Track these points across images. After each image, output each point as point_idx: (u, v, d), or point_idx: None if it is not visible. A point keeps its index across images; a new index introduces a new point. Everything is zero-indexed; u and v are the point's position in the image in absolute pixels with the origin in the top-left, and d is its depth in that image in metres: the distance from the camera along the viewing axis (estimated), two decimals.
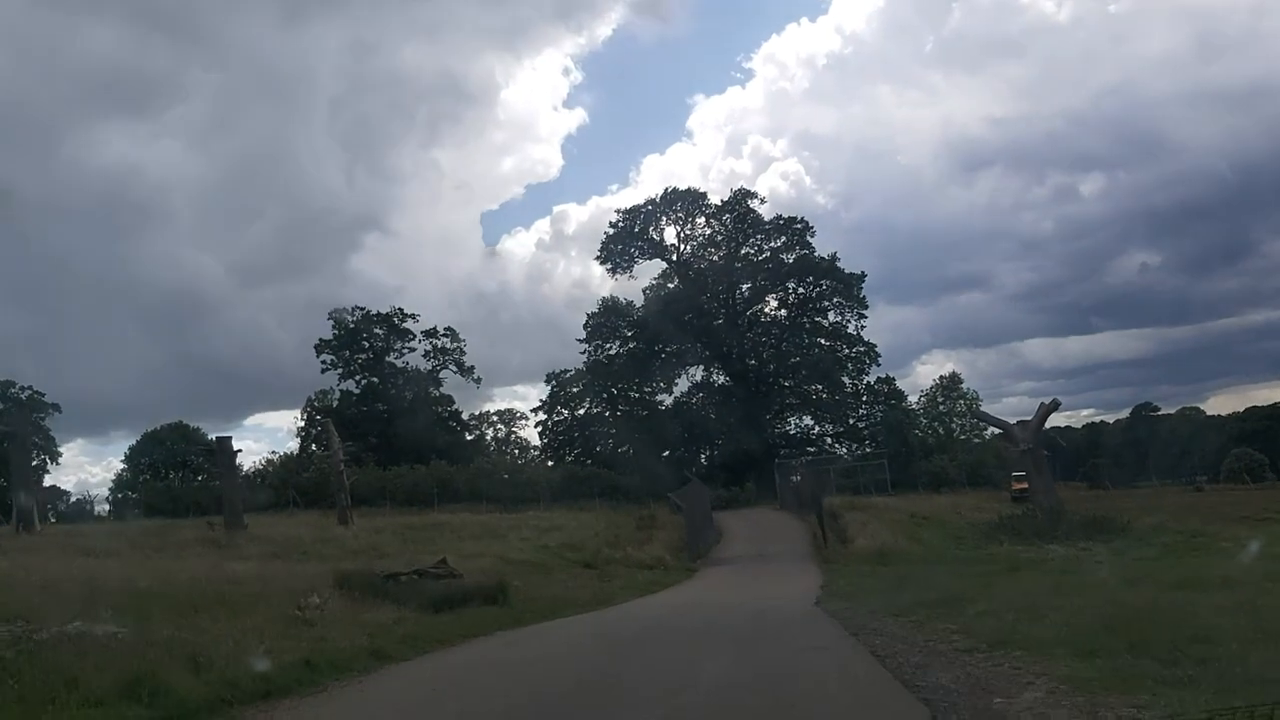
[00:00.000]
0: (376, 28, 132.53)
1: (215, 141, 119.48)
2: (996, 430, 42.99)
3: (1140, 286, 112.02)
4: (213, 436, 33.83)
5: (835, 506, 40.18)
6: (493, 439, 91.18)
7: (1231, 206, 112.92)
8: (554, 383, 78.90)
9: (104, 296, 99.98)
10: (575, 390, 77.92)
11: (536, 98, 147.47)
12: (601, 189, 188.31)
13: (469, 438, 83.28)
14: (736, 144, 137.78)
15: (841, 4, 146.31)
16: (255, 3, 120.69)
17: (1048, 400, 40.77)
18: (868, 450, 65.85)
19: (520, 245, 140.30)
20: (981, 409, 42.41)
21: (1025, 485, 51.67)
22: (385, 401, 78.50)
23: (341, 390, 78.63)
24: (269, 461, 76.14)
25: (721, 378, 76.51)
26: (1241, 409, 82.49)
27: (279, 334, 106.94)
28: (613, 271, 77.68)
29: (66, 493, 77.94)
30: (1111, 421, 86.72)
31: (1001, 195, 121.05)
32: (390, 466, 64.14)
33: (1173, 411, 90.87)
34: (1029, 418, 41.17)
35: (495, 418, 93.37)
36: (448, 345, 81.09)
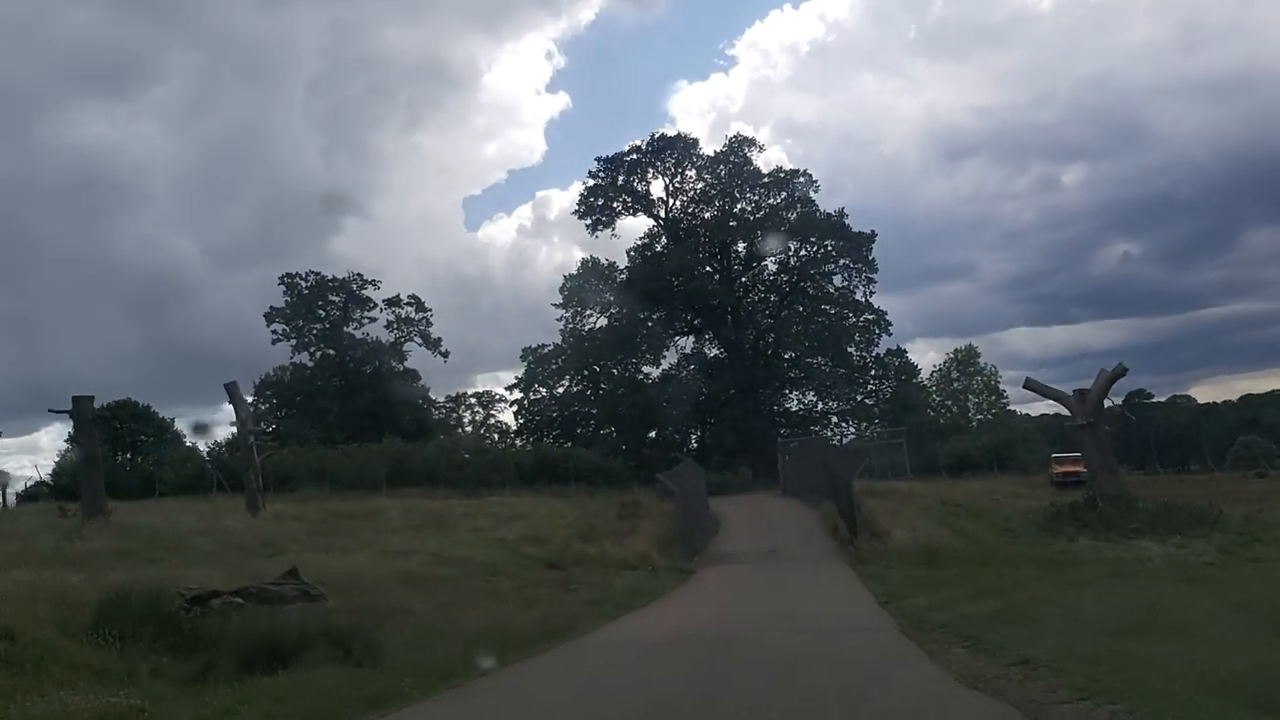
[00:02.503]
0: (357, 9, 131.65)
1: (193, 123, 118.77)
2: (1047, 404, 37.30)
3: (1121, 277, 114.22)
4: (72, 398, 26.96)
5: (855, 493, 34.24)
6: (470, 422, 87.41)
7: (1213, 198, 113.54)
8: (530, 359, 72.35)
9: (80, 278, 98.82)
10: (554, 367, 71.50)
11: (519, 82, 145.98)
12: (584, 175, 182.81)
13: (437, 417, 78.68)
14: (719, 131, 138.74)
15: None
16: None
17: (1110, 368, 34.82)
18: (879, 430, 59.86)
19: (502, 231, 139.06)
20: (1030, 378, 36.26)
21: (1074, 468, 46.32)
22: (342, 376, 72.32)
23: (294, 363, 71.87)
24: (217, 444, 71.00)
25: (715, 349, 70.24)
26: (1223, 399, 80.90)
27: (256, 317, 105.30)
28: (593, 228, 71.23)
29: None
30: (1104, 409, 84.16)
31: (984, 185, 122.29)
32: (338, 445, 58.15)
33: (1163, 400, 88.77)
34: (1086, 385, 35.34)
35: (473, 400, 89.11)
36: (412, 315, 74.58)
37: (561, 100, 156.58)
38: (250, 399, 72.80)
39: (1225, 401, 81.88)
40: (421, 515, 34.84)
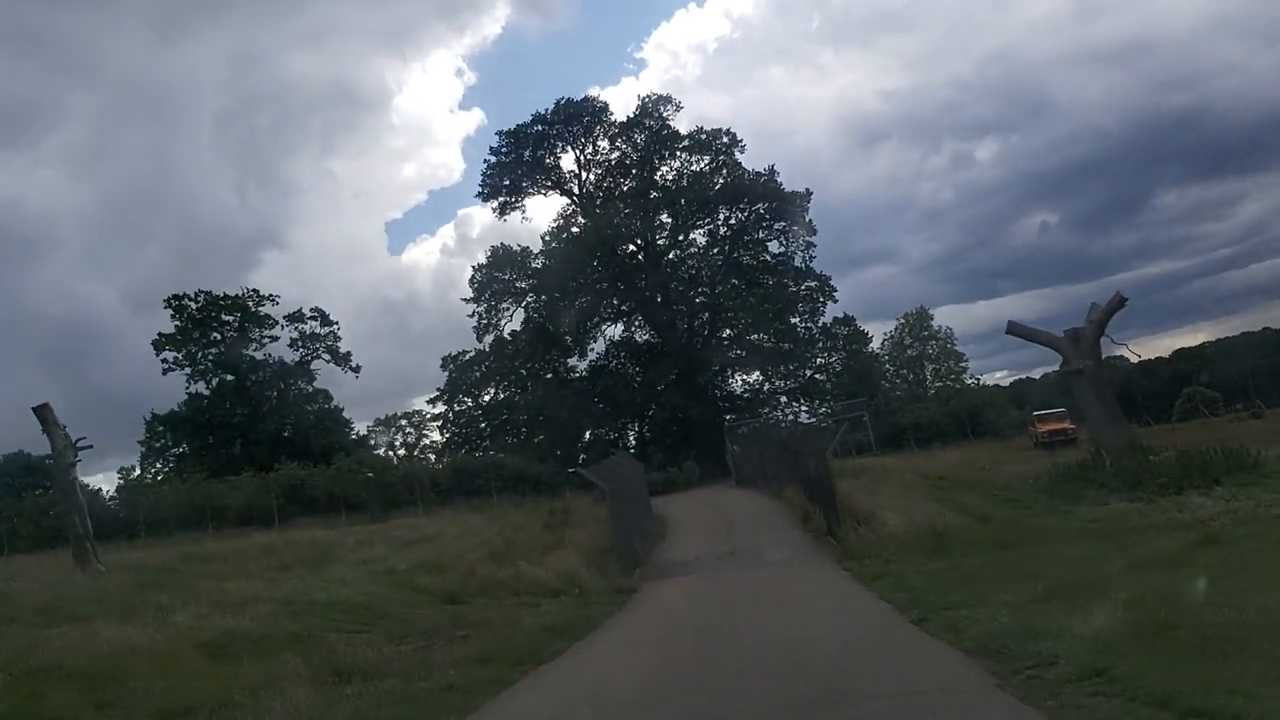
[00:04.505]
0: (256, 39, 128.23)
1: (98, 166, 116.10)
2: (1032, 347, 32.62)
3: (1040, 247, 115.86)
4: None
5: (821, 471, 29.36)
6: (402, 444, 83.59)
7: (1121, 163, 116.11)
8: (451, 367, 66.46)
9: None
10: (477, 374, 65.75)
11: (431, 101, 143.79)
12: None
13: (371, 443, 74.29)
14: None
15: None
16: (126, 21, 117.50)
17: (1104, 302, 30.26)
18: (835, 405, 55.23)
19: (426, 253, 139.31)
20: (1013, 321, 31.76)
21: (1059, 426, 42.34)
22: (245, 402, 66.00)
23: (189, 393, 65.50)
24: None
25: (646, 334, 64.96)
26: (1154, 356, 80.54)
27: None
28: (500, 211, 65.59)
29: None
30: (1038, 377, 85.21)
31: (900, 167, 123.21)
32: (226, 477, 52.03)
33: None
34: (1079, 325, 30.80)
35: (403, 421, 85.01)
36: (318, 330, 68.52)
37: (476, 116, 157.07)
38: (142, 441, 69.08)
39: (1158, 358, 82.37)
40: (305, 549, 29.28)
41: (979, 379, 71.66)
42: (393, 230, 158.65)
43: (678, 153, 64.73)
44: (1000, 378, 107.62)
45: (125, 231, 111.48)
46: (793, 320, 62.80)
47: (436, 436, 75.72)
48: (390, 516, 42.86)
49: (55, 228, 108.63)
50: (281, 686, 10.30)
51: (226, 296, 67.20)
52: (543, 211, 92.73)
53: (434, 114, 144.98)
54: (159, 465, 66.51)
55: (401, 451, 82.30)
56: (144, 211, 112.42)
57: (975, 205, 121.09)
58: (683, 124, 65.67)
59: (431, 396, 67.97)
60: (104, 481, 78.81)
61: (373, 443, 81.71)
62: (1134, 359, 41.57)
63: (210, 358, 67.30)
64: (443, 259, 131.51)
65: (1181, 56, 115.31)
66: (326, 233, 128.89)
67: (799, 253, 63.58)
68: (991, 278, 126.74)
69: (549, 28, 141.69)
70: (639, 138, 64.64)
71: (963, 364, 71.36)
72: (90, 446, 26.26)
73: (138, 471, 67.89)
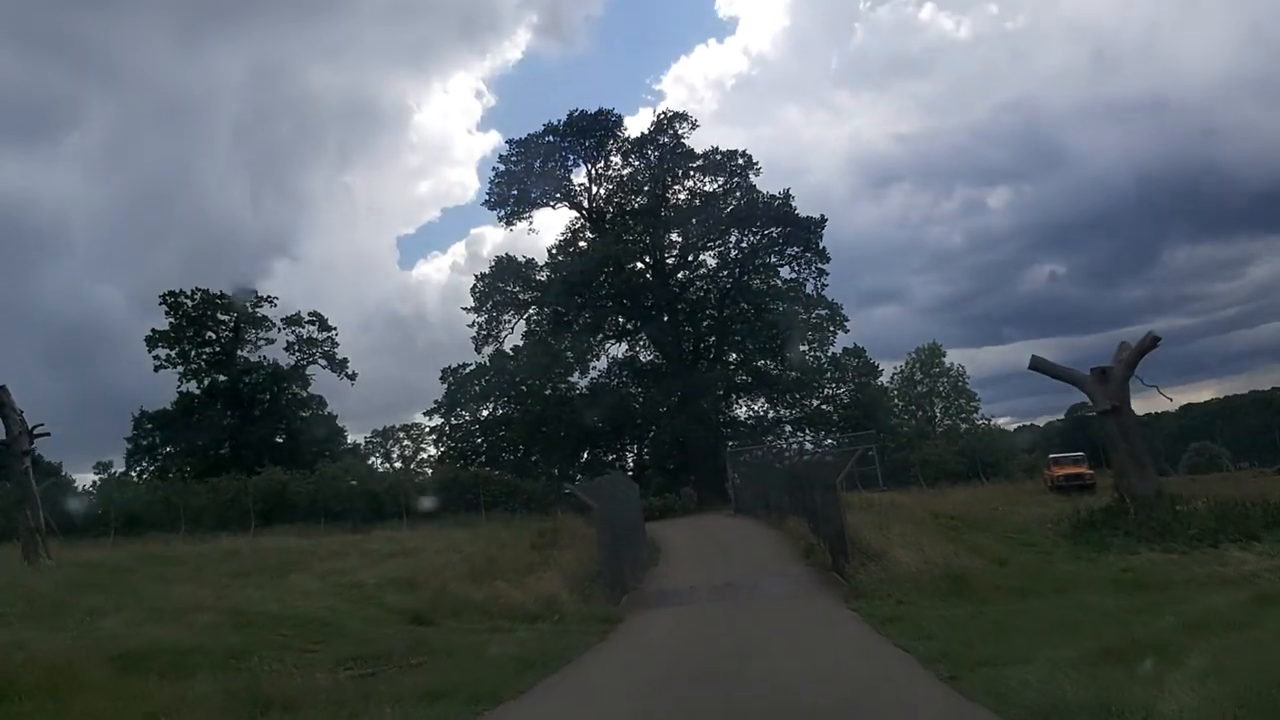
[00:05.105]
0: (279, 51, 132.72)
1: (115, 168, 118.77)
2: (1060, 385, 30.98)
3: (1048, 297, 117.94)
4: None
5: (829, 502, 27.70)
6: (399, 457, 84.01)
7: (1132, 216, 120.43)
8: (450, 380, 64.76)
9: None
10: (476, 389, 64.03)
11: (450, 121, 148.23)
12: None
13: (365, 454, 75.58)
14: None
15: (748, 25, 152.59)
16: (152, 26, 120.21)
17: (1132, 341, 28.70)
18: (843, 438, 53.46)
19: (437, 269, 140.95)
20: (1037, 356, 30.23)
21: (1076, 470, 40.62)
22: (236, 405, 64.96)
23: (180, 392, 64.50)
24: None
25: (650, 354, 63.31)
26: (1161, 410, 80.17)
27: None
28: (506, 220, 64.16)
29: None
30: (1042, 425, 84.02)
31: (911, 210, 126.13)
32: (208, 479, 50.53)
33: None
34: (1108, 364, 29.26)
35: (401, 434, 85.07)
36: (315, 335, 67.17)
37: (493, 138, 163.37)
38: (129, 439, 67.57)
39: (1164, 412, 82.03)
40: (272, 556, 27.71)
41: (990, 420, 69.94)
42: (404, 245, 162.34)
43: (691, 172, 63.34)
44: (1004, 423, 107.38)
45: (138, 234, 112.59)
46: (801, 348, 61.16)
47: (434, 451, 74.42)
48: (373, 528, 41.24)
49: (68, 227, 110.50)
50: (183, 714, 8.65)
51: (223, 295, 66.11)
52: (550, 225, 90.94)
53: (452, 133, 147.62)
54: (144, 464, 65.30)
55: (398, 464, 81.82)
56: (158, 215, 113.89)
57: (985, 251, 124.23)
58: (698, 146, 64.41)
59: (428, 409, 66.35)
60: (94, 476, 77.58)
61: (367, 454, 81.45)
62: (1168, 401, 39.93)
63: (204, 357, 66.20)
64: (452, 276, 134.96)
65: (1197, 114, 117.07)
66: (338, 245, 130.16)
67: (811, 279, 62.08)
68: (998, 324, 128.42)
69: (568, 54, 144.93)
70: (652, 154, 63.31)
71: (974, 402, 69.69)
72: (48, 435, 24.68)
73: (124, 468, 66.50)
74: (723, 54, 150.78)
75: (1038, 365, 30.49)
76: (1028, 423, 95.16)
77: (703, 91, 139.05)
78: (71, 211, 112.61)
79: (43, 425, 24.50)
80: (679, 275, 64.14)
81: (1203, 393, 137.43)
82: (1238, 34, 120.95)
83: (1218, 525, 22.99)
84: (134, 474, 63.89)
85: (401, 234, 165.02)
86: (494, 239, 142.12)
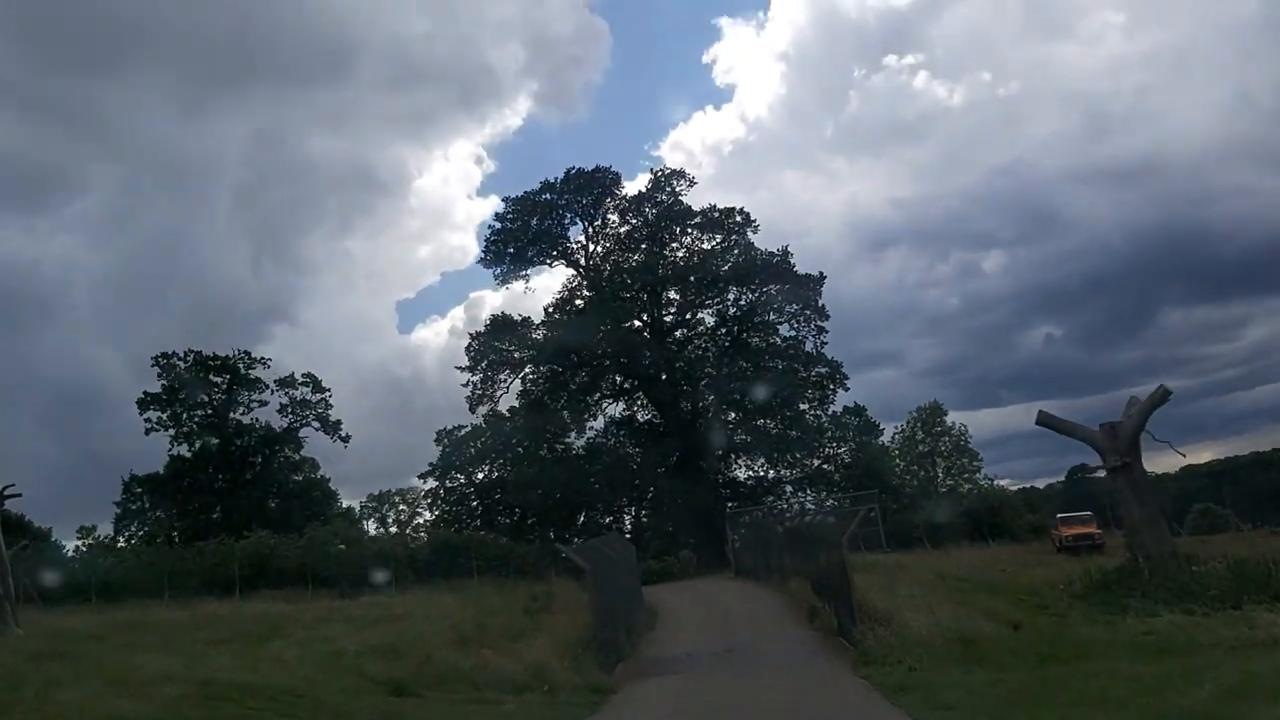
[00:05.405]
0: (280, 118, 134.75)
1: (116, 235, 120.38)
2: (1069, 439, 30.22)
3: (1044, 360, 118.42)
4: None
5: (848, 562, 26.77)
6: (395, 521, 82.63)
7: (1128, 280, 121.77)
8: (445, 443, 63.76)
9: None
10: (472, 451, 63.03)
11: (450, 187, 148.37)
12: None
13: (362, 517, 76.08)
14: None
15: (745, 93, 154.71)
16: (154, 94, 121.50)
17: (1142, 396, 28.02)
18: (844, 498, 52.43)
19: (435, 333, 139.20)
20: (1044, 411, 29.50)
21: (1084, 530, 39.78)
22: (227, 469, 64.17)
23: (171, 455, 63.96)
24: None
25: (648, 413, 62.48)
26: (1161, 472, 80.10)
27: None
28: (502, 279, 63.81)
29: None
30: (1042, 487, 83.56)
31: (908, 273, 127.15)
32: (195, 543, 49.49)
33: (1103, 475, 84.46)
34: (1117, 419, 28.52)
35: (397, 498, 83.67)
36: (309, 397, 66.50)
37: (493, 203, 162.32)
38: (119, 502, 66.51)
39: (1164, 474, 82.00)
40: (252, 622, 26.70)
41: (992, 480, 68.95)
42: (403, 309, 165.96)
43: (689, 229, 63.03)
44: (1004, 484, 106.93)
45: (138, 300, 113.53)
46: (801, 407, 60.40)
47: (429, 515, 73.21)
48: (362, 593, 40.13)
49: (69, 293, 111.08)
50: None
51: (216, 357, 65.61)
52: (547, 286, 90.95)
53: (452, 199, 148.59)
54: (133, 528, 64.24)
55: (394, 529, 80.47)
56: (158, 281, 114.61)
57: (980, 315, 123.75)
58: (695, 205, 64.27)
59: (423, 472, 65.19)
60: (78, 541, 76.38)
61: (363, 518, 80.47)
62: (1181, 456, 39.22)
63: (195, 419, 65.52)
64: (451, 339, 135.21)
65: (1191, 178, 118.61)
66: (337, 309, 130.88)
67: (810, 337, 61.51)
68: (994, 386, 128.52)
69: (568, 121, 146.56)
70: (650, 212, 63.10)
71: (976, 462, 68.73)
72: (19, 495, 23.88)
73: (111, 533, 65.33)
74: (720, 120, 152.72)
75: (1045, 421, 29.71)
76: (1028, 484, 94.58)
77: (700, 156, 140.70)
78: (72, 277, 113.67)
79: (13, 485, 23.65)
80: (677, 333, 63.58)
81: (1202, 454, 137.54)
82: (1228, 99, 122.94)
83: (1238, 585, 22.06)
84: (121, 538, 63.00)
85: (401, 298, 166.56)
86: (493, 302, 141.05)
